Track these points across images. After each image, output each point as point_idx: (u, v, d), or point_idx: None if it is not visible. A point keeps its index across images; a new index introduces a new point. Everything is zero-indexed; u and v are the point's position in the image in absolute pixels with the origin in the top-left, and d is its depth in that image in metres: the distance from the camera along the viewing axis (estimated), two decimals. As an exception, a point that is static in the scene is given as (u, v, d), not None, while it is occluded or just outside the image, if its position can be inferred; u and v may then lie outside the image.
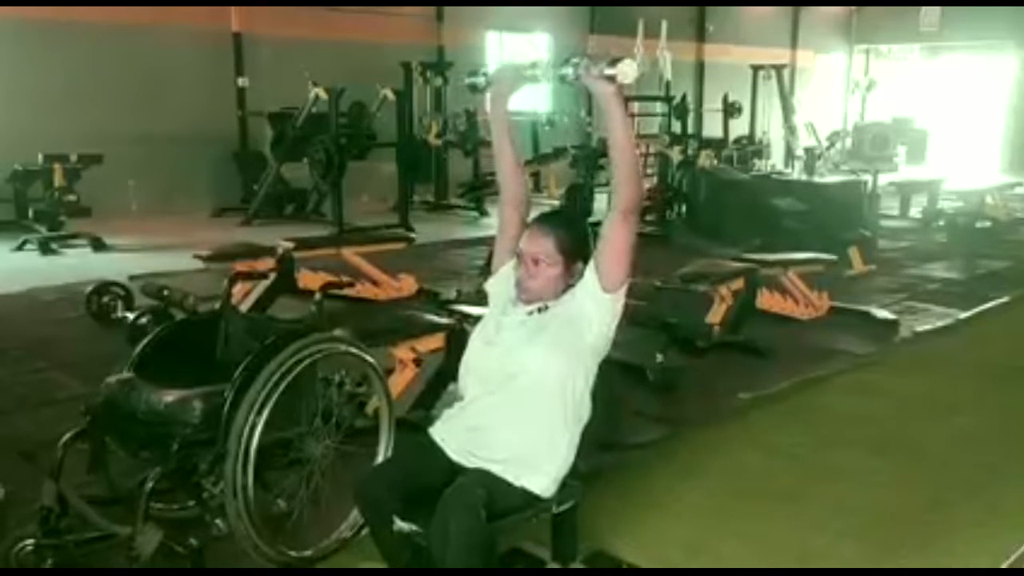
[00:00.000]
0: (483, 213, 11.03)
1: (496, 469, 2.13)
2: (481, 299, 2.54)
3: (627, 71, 2.08)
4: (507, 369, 2.18)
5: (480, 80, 2.36)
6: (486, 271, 2.80)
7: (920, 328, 5.88)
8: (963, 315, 6.22)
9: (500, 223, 2.44)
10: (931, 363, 5.20)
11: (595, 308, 2.19)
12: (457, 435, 2.24)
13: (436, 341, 3.89)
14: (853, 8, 20.61)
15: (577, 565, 2.47)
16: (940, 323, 6.02)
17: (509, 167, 2.41)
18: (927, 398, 4.47)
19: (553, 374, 2.16)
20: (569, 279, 2.25)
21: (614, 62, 2.09)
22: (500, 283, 2.39)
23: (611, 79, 2.08)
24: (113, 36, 9.69)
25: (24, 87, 9.19)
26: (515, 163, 2.42)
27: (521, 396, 2.16)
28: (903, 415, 4.22)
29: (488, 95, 2.38)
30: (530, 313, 2.25)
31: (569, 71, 2.16)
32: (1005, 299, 6.68)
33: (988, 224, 9.84)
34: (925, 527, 3.05)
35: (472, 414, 2.23)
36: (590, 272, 2.21)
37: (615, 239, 2.16)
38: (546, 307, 2.25)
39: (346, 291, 5.29)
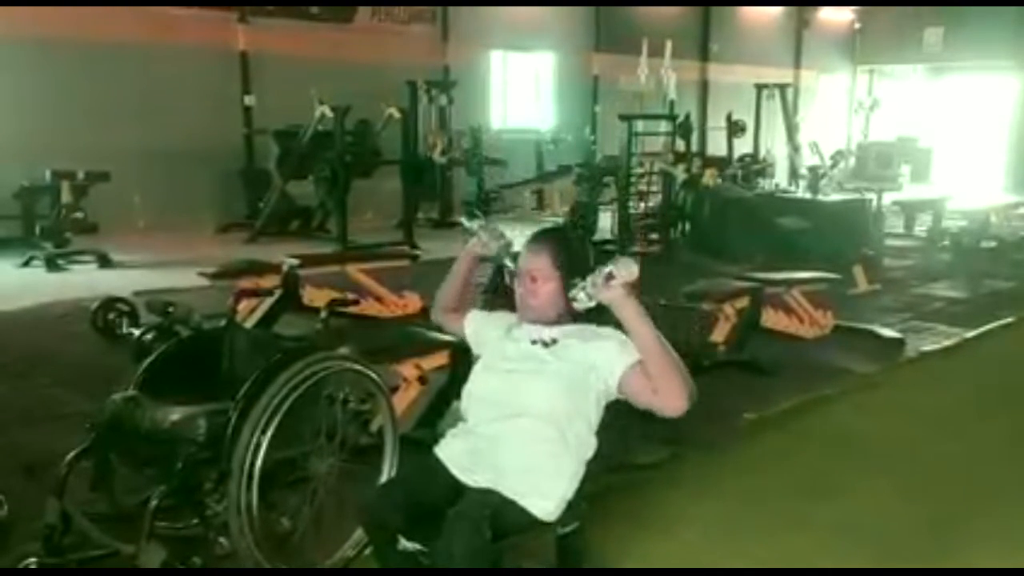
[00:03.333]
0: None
1: (501, 489, 2.13)
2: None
3: (624, 267, 2.01)
4: (510, 404, 2.17)
5: (473, 226, 2.42)
6: (490, 289, 2.82)
7: (925, 347, 5.86)
8: (968, 334, 6.21)
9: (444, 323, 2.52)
10: (937, 382, 5.18)
11: (599, 387, 2.16)
12: (462, 455, 2.23)
13: (441, 359, 3.88)
14: (856, 28, 20.72)
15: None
16: (946, 342, 6.00)
17: (449, 304, 2.49)
18: (933, 417, 4.46)
19: (556, 414, 2.14)
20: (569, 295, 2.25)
21: (608, 263, 2.04)
22: (480, 323, 2.42)
23: (611, 278, 2.02)
24: (121, 54, 9.77)
25: (32, 104, 9.26)
26: (456, 305, 2.48)
27: (524, 428, 2.15)
28: (909, 434, 4.20)
29: (472, 239, 2.42)
30: (534, 343, 2.24)
31: (582, 295, 2.09)
32: (1010, 319, 6.66)
33: (993, 243, 9.83)
34: (933, 546, 3.03)
35: (476, 438, 2.22)
36: (612, 371, 2.12)
37: (646, 404, 2.14)
38: (554, 340, 2.22)
39: (351, 308, 5.29)
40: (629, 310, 2.05)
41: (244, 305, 5.18)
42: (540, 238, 2.30)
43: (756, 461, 3.84)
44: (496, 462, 2.16)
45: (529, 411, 2.15)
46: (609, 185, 10.28)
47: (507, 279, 2.32)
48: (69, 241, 8.24)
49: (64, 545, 2.53)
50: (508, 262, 2.35)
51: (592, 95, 15.49)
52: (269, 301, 5.35)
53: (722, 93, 16.91)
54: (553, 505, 2.15)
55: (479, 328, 2.43)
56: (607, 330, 2.19)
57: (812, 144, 15.60)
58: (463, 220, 2.49)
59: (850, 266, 7.43)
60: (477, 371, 2.31)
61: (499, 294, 2.80)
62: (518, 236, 2.36)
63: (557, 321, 2.25)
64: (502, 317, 2.39)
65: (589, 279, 2.07)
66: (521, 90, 14.74)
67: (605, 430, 2.24)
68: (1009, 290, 8.02)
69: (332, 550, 2.72)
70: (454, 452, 2.25)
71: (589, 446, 2.21)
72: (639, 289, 2.07)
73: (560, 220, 10.57)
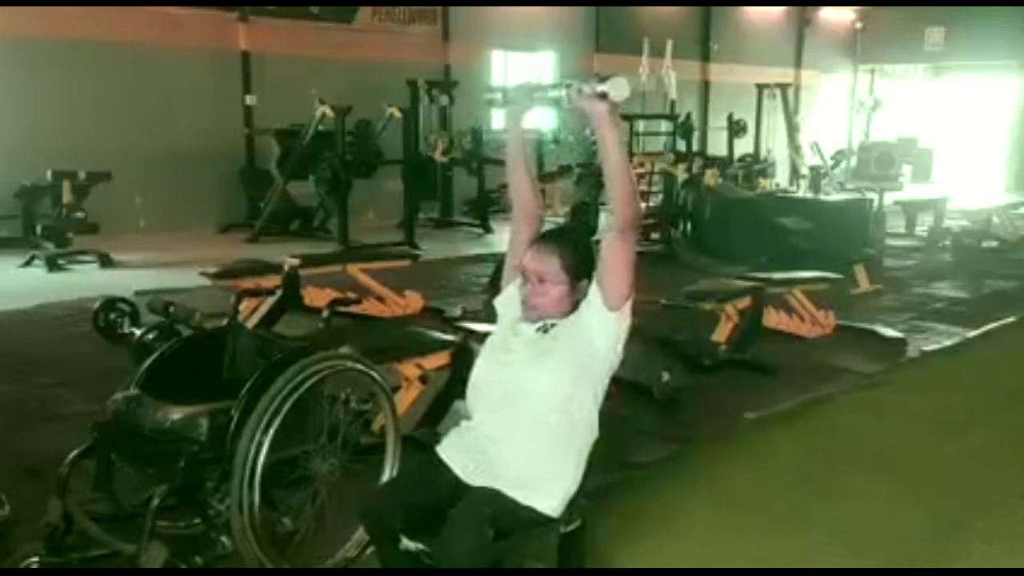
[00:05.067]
0: (488, 230, 11.06)
1: (503, 488, 2.13)
2: (486, 316, 2.54)
3: (619, 88, 2.05)
4: (513, 391, 2.17)
5: (497, 96, 2.35)
6: (491, 288, 2.81)
7: (927, 347, 5.86)
8: (970, 334, 6.20)
9: (512, 238, 2.41)
10: (938, 382, 5.18)
11: (600, 327, 2.19)
12: (464, 454, 2.23)
13: (442, 358, 3.89)
14: (857, 28, 20.72)
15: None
16: (947, 342, 6.00)
17: (523, 182, 2.39)
18: (935, 417, 4.45)
19: (559, 397, 2.15)
20: (575, 296, 2.25)
21: (605, 79, 2.06)
22: (508, 302, 2.39)
23: (603, 96, 2.06)
24: (122, 54, 9.77)
25: (34, 104, 9.25)
26: (529, 179, 2.41)
27: (527, 417, 2.15)
28: (911, 434, 4.20)
29: (504, 111, 2.37)
30: (538, 330, 2.25)
31: (562, 94, 2.13)
32: (1012, 319, 6.66)
33: (994, 243, 9.83)
34: (933, 547, 3.03)
35: (479, 434, 2.22)
36: (594, 291, 2.20)
37: (614, 256, 2.16)
38: (553, 325, 2.24)
39: (352, 308, 5.29)
40: (608, 126, 2.09)
41: (245, 305, 5.18)
42: (550, 239, 2.30)
43: (757, 460, 3.84)
44: (498, 460, 2.16)
45: (535, 398, 2.15)
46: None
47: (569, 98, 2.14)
48: (70, 241, 8.23)
49: (66, 544, 2.53)
50: (555, 94, 2.18)
51: (593, 95, 15.47)
52: (270, 301, 5.35)
53: (723, 93, 16.90)
54: (556, 501, 2.15)
55: (507, 300, 2.38)
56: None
57: (813, 144, 15.61)
58: (485, 96, 2.41)
59: (851, 266, 7.43)
60: (482, 363, 2.31)
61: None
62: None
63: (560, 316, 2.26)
64: (517, 301, 2.34)
65: (577, 84, 2.11)
66: (522, 90, 14.73)
67: (606, 429, 2.24)
68: (1010, 290, 8.01)
69: (334, 550, 2.72)
70: (455, 451, 2.25)
71: (593, 429, 2.21)
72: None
73: (561, 220, 10.58)
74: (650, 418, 4.20)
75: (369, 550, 2.61)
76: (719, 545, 3.03)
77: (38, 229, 8.30)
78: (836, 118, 20.44)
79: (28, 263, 8.09)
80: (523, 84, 2.33)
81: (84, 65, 9.55)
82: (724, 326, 5.40)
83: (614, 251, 2.15)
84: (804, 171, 15.09)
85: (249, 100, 11.05)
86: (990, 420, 4.42)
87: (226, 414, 2.46)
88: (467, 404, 2.30)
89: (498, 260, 5.54)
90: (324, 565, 2.70)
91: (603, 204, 10.32)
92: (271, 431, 2.44)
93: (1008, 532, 3.16)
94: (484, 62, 13.80)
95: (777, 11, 19.11)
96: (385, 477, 2.84)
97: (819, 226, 8.83)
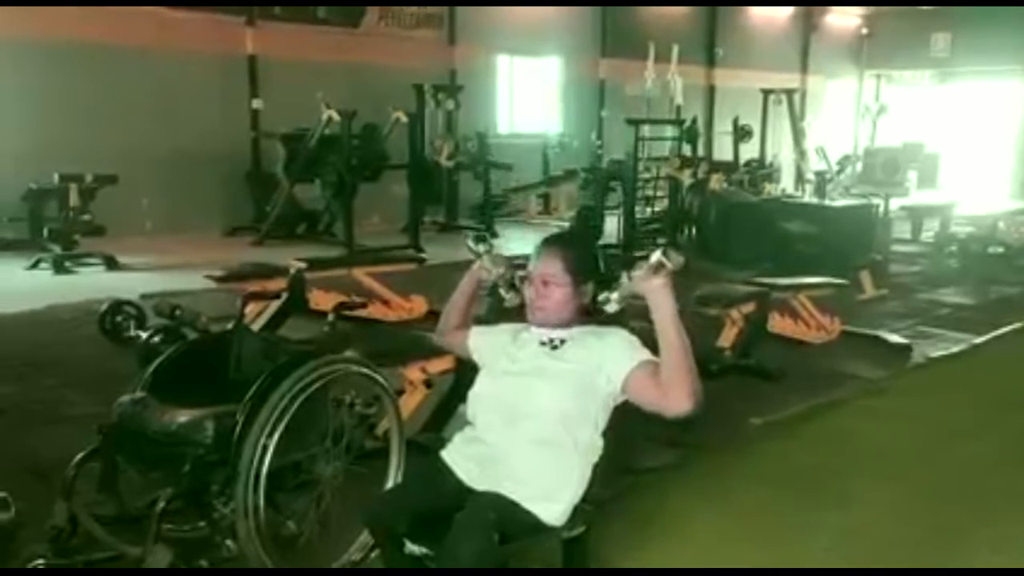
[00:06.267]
0: (494, 235, 11.06)
1: (507, 493, 2.12)
2: (490, 320, 2.55)
3: (674, 260, 2.02)
4: (518, 406, 2.17)
5: (480, 249, 2.46)
6: (494, 292, 2.81)
7: (933, 353, 5.84)
8: (976, 340, 6.18)
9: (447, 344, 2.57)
10: (944, 388, 5.16)
11: (606, 388, 2.16)
12: (468, 459, 2.23)
13: (447, 363, 3.88)
14: (863, 33, 20.69)
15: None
16: (953, 348, 5.98)
17: (456, 319, 2.53)
18: (940, 423, 4.44)
19: (559, 413, 2.15)
20: (578, 300, 2.25)
21: (663, 252, 2.04)
22: (486, 336, 2.42)
23: (658, 268, 2.02)
24: (129, 57, 9.81)
25: (41, 107, 9.30)
26: (464, 319, 2.53)
27: (530, 431, 2.15)
28: (916, 440, 4.18)
29: (478, 262, 2.46)
30: (543, 344, 2.25)
31: (614, 296, 2.13)
32: (1018, 325, 6.64)
33: (1001, 249, 9.80)
34: (939, 554, 3.02)
35: (482, 442, 2.22)
36: (619, 369, 2.13)
37: (650, 402, 2.14)
38: (562, 342, 2.23)
39: (357, 312, 5.29)
40: (666, 302, 2.05)
41: (251, 308, 5.18)
42: (554, 243, 2.31)
43: (763, 466, 3.83)
44: (503, 467, 2.16)
45: (537, 413, 2.15)
46: (615, 189, 10.29)
47: (510, 291, 2.36)
48: (77, 244, 8.25)
49: (71, 547, 2.53)
50: (504, 292, 2.39)
51: (598, 99, 15.50)
52: (276, 304, 5.35)
53: (729, 98, 16.88)
54: (560, 509, 2.15)
55: (483, 340, 2.43)
56: (614, 329, 2.21)
57: (819, 149, 15.59)
58: (469, 243, 2.49)
59: (857, 271, 7.42)
60: (484, 374, 2.32)
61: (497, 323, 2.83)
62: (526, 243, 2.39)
63: (566, 325, 2.26)
64: (507, 327, 2.39)
65: (625, 275, 2.10)
66: (527, 94, 14.75)
67: (611, 433, 2.24)
68: (1017, 296, 8.00)
69: (338, 553, 2.72)
70: (460, 456, 2.25)
71: (596, 448, 2.21)
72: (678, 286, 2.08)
73: (566, 224, 10.59)
74: (655, 424, 4.18)
75: (373, 554, 2.61)
76: (723, 550, 3.02)
77: (45, 231, 8.33)
78: (842, 123, 20.41)
79: (35, 265, 8.11)
80: (506, 268, 2.41)
81: (90, 68, 9.58)
82: (729, 331, 5.39)
83: (652, 402, 2.14)
84: (809, 176, 15.06)
85: (255, 104, 11.08)
86: (997, 426, 4.40)
87: (231, 417, 2.46)
88: (468, 413, 2.30)
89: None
90: (329, 568, 2.69)
91: (608, 208, 10.35)
92: (276, 434, 2.44)
93: (1015, 540, 3.15)
94: (490, 66, 13.82)
95: (783, 16, 19.10)
96: (390, 481, 2.84)
97: (824, 231, 8.81)
